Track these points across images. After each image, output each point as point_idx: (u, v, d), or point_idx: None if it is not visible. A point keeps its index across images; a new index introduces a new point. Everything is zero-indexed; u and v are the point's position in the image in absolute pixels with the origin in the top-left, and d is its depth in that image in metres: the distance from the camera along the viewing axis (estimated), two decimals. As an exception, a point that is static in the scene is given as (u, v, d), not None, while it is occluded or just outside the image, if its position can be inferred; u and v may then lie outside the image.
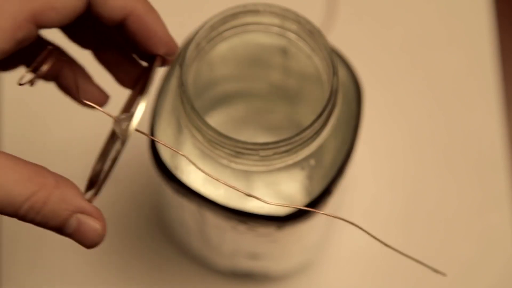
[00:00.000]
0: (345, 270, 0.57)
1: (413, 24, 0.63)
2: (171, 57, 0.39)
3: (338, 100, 0.41)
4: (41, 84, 0.40)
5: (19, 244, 0.57)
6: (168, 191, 0.46)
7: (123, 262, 0.57)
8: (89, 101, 0.38)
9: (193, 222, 0.49)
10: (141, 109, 0.36)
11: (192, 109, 0.40)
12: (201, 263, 0.56)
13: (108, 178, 0.36)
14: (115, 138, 0.39)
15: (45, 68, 0.36)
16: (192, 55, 0.41)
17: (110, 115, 0.37)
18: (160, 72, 0.46)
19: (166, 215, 0.55)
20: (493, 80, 0.62)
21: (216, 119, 0.50)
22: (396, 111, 0.61)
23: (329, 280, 0.57)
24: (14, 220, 0.59)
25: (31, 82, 0.36)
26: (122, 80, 0.42)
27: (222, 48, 0.44)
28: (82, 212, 0.35)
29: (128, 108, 0.41)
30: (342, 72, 0.45)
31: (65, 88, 0.42)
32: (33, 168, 0.34)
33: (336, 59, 0.41)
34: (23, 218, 0.34)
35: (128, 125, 0.35)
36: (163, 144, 0.38)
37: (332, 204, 0.46)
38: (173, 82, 0.44)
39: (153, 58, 0.39)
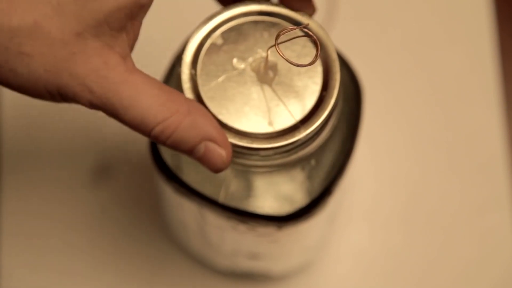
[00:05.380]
0: (345, 270, 0.57)
1: (413, 24, 0.63)
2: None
3: (338, 100, 0.41)
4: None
5: (19, 244, 0.57)
6: (168, 191, 0.46)
7: (123, 262, 0.57)
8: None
9: (193, 222, 0.49)
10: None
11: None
12: (201, 263, 0.56)
13: None
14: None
15: None
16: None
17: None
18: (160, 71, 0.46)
19: (166, 215, 0.55)
20: (493, 80, 0.62)
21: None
22: (396, 111, 0.61)
23: (329, 280, 0.57)
24: (14, 220, 0.59)
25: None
26: None
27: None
28: (210, 139, 0.36)
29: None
30: (342, 72, 0.45)
31: None
32: (169, 93, 0.35)
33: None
34: (153, 139, 0.35)
35: None
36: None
37: (332, 204, 0.46)
38: (174, 82, 0.44)
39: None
